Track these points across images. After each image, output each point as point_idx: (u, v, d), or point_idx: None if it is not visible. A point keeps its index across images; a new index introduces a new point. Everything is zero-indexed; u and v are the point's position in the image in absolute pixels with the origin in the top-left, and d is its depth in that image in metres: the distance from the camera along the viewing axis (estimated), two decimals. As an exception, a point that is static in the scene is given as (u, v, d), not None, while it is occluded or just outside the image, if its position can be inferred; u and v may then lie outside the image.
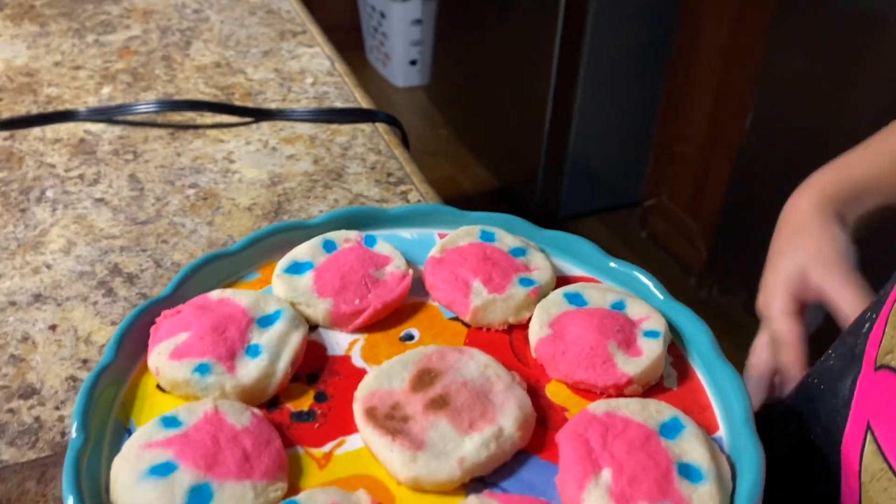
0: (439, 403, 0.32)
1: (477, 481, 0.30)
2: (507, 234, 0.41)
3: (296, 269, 0.38)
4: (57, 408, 0.50)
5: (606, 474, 0.29)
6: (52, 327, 0.56)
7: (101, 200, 0.69)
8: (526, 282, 0.38)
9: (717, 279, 1.84)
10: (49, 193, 0.69)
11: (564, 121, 1.88)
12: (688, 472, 0.30)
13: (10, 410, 0.50)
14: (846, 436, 0.37)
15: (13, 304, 0.58)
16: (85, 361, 0.53)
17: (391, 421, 0.31)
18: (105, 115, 0.78)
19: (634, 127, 1.87)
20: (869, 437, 0.36)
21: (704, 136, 1.83)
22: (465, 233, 0.41)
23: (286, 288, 0.37)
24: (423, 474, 0.30)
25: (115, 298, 0.58)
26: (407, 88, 2.51)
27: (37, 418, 0.49)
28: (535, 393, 0.34)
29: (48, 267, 0.61)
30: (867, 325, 0.39)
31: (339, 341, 0.36)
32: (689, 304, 0.37)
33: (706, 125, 1.83)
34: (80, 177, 0.71)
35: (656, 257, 1.89)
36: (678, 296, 0.38)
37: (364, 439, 0.31)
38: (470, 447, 0.30)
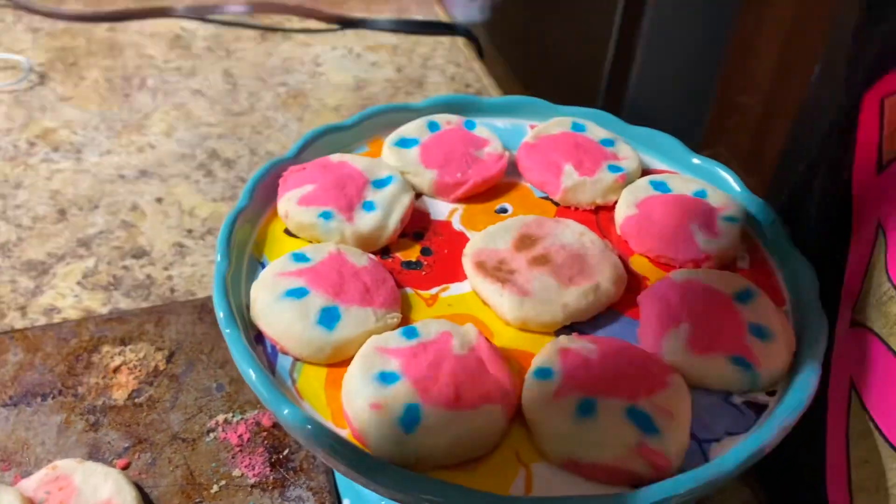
0: (541, 261, 0.35)
1: (568, 328, 0.34)
2: (596, 127, 0.44)
3: (404, 143, 0.42)
4: (165, 268, 0.55)
5: (685, 327, 0.33)
6: (159, 199, 0.61)
7: (198, 91, 0.73)
8: (614, 168, 0.41)
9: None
10: (150, 82, 0.74)
11: (626, 62, 1.86)
12: (758, 331, 0.33)
13: (125, 267, 0.55)
14: (830, 389, 0.38)
15: (122, 177, 0.63)
16: (190, 231, 0.58)
17: (499, 272, 0.35)
18: (199, 13, 0.81)
19: (698, 72, 1.85)
20: (853, 396, 0.36)
21: (769, 87, 1.81)
22: (557, 123, 0.44)
23: (396, 158, 0.41)
24: (531, 316, 0.33)
25: (214, 179, 0.63)
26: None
27: (148, 276, 0.54)
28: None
29: (152, 147, 0.66)
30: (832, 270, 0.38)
31: (441, 209, 0.40)
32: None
33: (771, 76, 1.80)
34: (178, 69, 0.75)
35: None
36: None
37: (474, 287, 0.35)
38: (572, 296, 0.34)
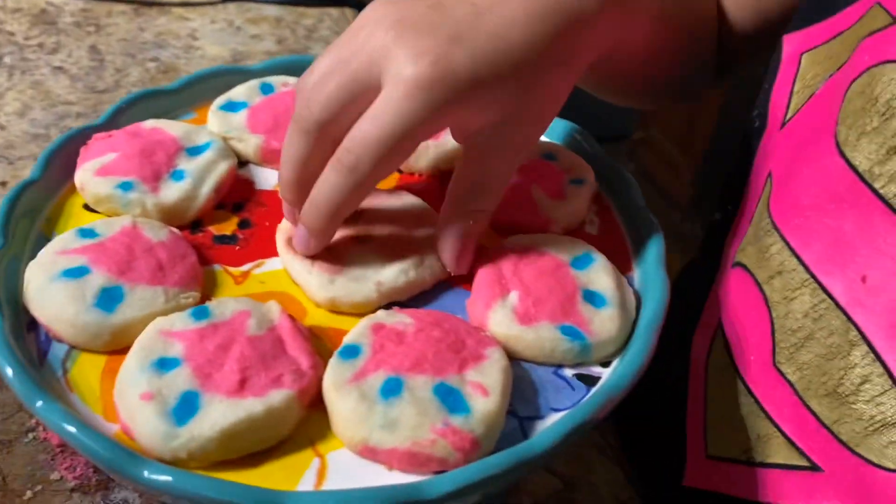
0: (363, 237, 0.32)
1: (395, 305, 0.31)
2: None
3: (230, 107, 0.38)
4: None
5: (513, 296, 0.30)
6: (3, 184, 0.56)
7: (59, 69, 0.68)
8: (460, 130, 0.38)
9: (701, 215, 1.85)
10: (7, 60, 0.68)
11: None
12: (592, 297, 0.30)
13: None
14: (696, 335, 0.38)
15: (-35, 160, 0.57)
16: (33, 216, 0.53)
17: None
18: (68, -14, 0.76)
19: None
20: (719, 333, 0.37)
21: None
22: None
23: (220, 123, 0.37)
24: (340, 295, 0.30)
25: (67, 160, 0.58)
26: None
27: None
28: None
29: (2, 128, 0.61)
30: (719, 217, 0.39)
31: (269, 177, 0.37)
32: (672, 238, 0.37)
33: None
34: (40, 45, 0.70)
35: (642, 190, 1.89)
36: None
37: (284, 265, 0.32)
38: (389, 273, 0.31)
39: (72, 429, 0.24)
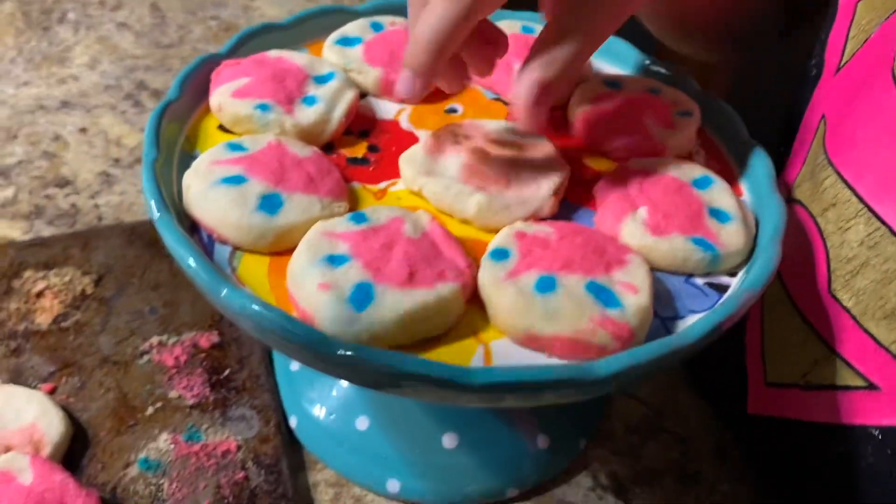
0: (497, 158, 0.33)
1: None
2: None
3: (346, 42, 0.40)
4: (91, 197, 0.52)
5: (643, 211, 0.32)
6: (83, 130, 0.57)
7: (123, 25, 0.69)
8: (566, 68, 0.40)
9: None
10: (71, 15, 0.69)
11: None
12: (717, 214, 0.32)
13: (47, 196, 0.51)
14: None
15: (42, 107, 0.59)
16: (117, 160, 0.54)
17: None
18: (124, -53, 0.77)
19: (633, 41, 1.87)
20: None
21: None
22: (506, 26, 0.42)
23: (338, 56, 0.39)
24: (495, 209, 0.32)
25: (142, 109, 0.59)
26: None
27: (73, 205, 0.51)
28: (577, 163, 0.36)
29: (75, 79, 0.62)
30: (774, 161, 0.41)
31: (388, 109, 0.38)
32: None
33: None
34: (101, 2, 0.71)
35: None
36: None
37: (421, 185, 0.33)
38: (540, 189, 0.32)
39: (262, 310, 0.26)
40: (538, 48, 0.30)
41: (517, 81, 0.30)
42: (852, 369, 0.34)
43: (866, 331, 0.33)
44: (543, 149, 0.34)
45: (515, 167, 0.33)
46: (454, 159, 0.33)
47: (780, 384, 0.38)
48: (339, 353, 0.25)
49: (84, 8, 0.70)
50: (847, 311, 0.34)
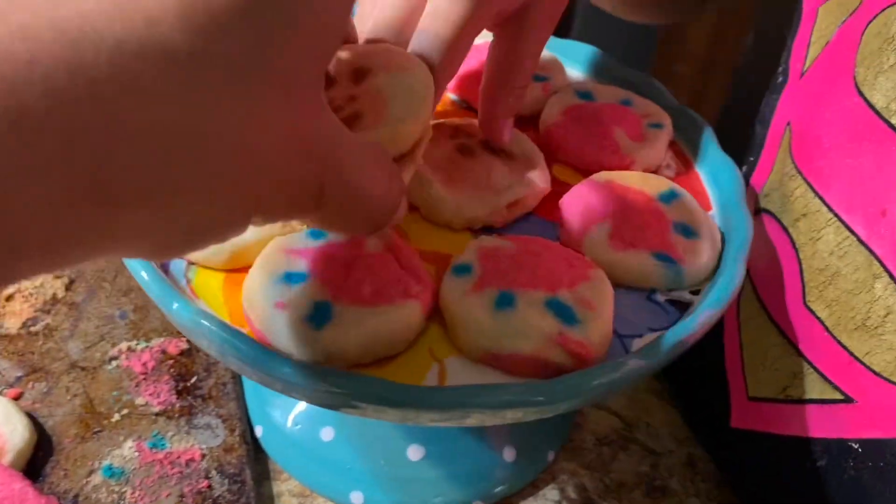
0: (466, 151, 0.34)
1: (488, 230, 0.33)
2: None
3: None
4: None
5: (607, 224, 0.32)
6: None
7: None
8: (539, 78, 0.39)
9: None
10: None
11: (561, 30, 1.86)
12: (682, 229, 0.32)
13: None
14: None
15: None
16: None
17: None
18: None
19: (634, 44, 1.86)
20: (747, 281, 0.38)
21: (704, 55, 1.82)
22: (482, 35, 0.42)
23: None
24: (469, 206, 0.32)
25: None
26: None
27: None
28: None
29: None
30: (744, 169, 0.41)
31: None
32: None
33: (706, 44, 1.82)
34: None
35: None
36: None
37: None
38: (513, 186, 0.33)
39: (213, 327, 0.26)
40: (496, 80, 0.34)
41: (489, 116, 0.34)
42: (829, 382, 0.34)
43: (840, 342, 0.33)
44: (528, 162, 0.34)
45: (487, 171, 0.33)
46: (438, 152, 0.33)
47: (762, 398, 0.38)
48: (284, 371, 0.25)
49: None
50: (821, 322, 0.34)
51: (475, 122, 0.35)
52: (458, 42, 0.29)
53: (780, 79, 0.40)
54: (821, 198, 0.34)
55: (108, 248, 0.17)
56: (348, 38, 0.29)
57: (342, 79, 0.26)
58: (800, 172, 0.35)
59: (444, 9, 0.29)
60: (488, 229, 0.33)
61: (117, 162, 0.15)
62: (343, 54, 0.27)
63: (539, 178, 0.34)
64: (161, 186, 0.16)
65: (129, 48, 0.15)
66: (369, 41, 0.29)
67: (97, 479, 0.36)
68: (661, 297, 0.31)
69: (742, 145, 0.42)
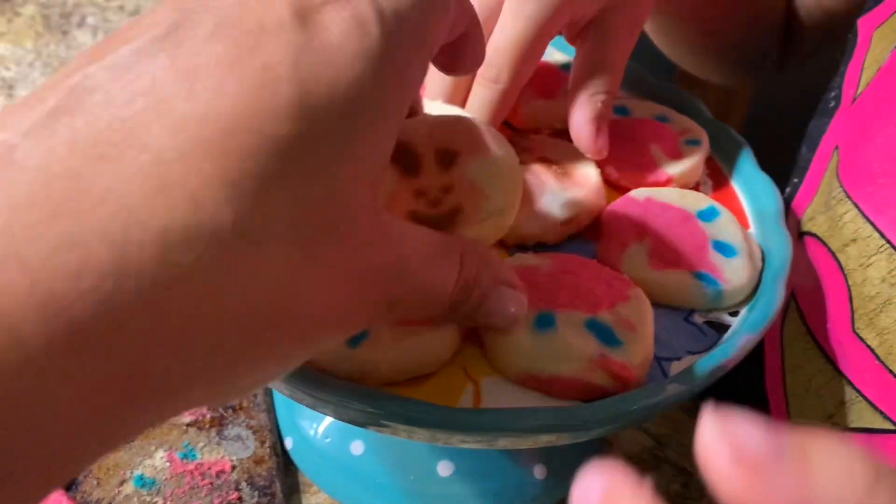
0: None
1: (526, 249, 0.32)
2: (555, 50, 0.42)
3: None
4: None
5: (646, 242, 0.31)
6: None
7: (140, 31, 0.69)
8: (574, 92, 0.39)
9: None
10: (90, 20, 0.70)
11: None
12: (722, 248, 0.32)
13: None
14: None
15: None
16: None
17: None
18: (144, -48, 0.77)
19: (658, 52, 1.85)
20: (792, 303, 0.38)
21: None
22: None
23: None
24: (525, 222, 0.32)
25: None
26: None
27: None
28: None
29: (89, 85, 0.62)
30: (787, 191, 0.40)
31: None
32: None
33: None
34: (121, 7, 0.71)
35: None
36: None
37: None
38: (570, 197, 0.33)
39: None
40: (580, 85, 0.34)
41: (577, 123, 0.34)
42: (878, 412, 0.33)
43: (891, 371, 0.32)
44: (584, 178, 0.34)
45: (541, 187, 0.33)
46: None
47: (805, 424, 0.37)
48: (313, 388, 0.25)
49: (103, 12, 0.70)
50: (871, 350, 0.33)
51: (533, 136, 0.35)
52: (528, 55, 0.31)
53: (833, 104, 0.39)
54: (872, 223, 0.33)
55: (166, 419, 0.17)
56: (413, 110, 0.29)
57: (428, 161, 0.27)
58: (849, 197, 0.35)
59: (509, 24, 0.31)
60: (539, 246, 0.32)
61: (160, 360, 0.15)
62: (421, 129, 0.27)
63: (595, 195, 0.33)
64: (210, 371, 0.16)
65: (174, 237, 0.15)
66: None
67: (129, 488, 0.36)
68: (699, 319, 0.31)
69: (763, 162, 0.42)
